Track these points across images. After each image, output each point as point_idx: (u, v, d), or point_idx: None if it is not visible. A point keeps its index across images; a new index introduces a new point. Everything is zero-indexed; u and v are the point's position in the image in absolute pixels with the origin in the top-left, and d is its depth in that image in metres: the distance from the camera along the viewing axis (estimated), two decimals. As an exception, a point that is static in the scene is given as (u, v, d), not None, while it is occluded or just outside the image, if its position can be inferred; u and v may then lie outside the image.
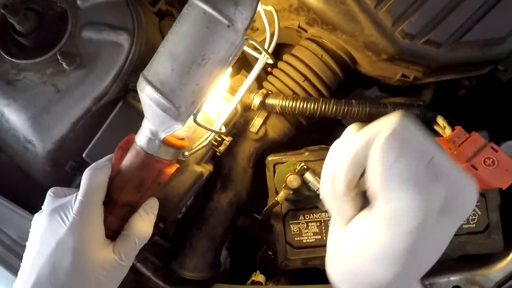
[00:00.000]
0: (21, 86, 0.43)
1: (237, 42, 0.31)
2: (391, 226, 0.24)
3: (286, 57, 0.51)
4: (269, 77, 0.51)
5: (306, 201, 0.49)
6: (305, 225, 0.49)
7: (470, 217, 0.46)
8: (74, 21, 0.44)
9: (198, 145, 0.41)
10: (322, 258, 0.49)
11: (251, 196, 0.54)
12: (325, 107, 0.45)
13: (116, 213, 0.39)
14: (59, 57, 0.42)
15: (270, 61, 0.36)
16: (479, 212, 0.46)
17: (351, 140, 0.27)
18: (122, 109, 0.43)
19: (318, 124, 0.58)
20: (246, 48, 0.40)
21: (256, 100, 0.47)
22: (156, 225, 0.47)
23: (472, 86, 0.52)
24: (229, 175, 0.52)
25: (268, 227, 0.52)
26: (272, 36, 0.35)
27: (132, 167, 0.37)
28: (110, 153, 0.40)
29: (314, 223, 0.49)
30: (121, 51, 0.44)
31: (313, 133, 0.60)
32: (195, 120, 0.33)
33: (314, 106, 0.45)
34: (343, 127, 0.58)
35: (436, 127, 0.46)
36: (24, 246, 0.39)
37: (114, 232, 0.39)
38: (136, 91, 0.44)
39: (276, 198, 0.47)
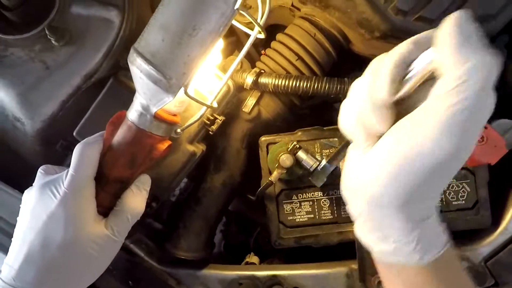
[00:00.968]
0: (9, 62, 0.42)
1: (228, 12, 0.31)
2: (460, 92, 0.23)
3: (279, 36, 0.50)
4: (262, 57, 0.51)
5: (299, 180, 0.49)
6: (298, 204, 0.50)
7: (460, 194, 0.47)
8: (62, -4, 0.43)
9: (191, 121, 0.41)
10: (315, 237, 0.50)
11: (245, 177, 0.54)
12: (317, 85, 0.45)
13: (107, 189, 0.38)
14: (47, 33, 0.41)
15: (262, 36, 0.36)
16: (468, 189, 0.47)
17: (393, 49, 0.27)
18: (112, 86, 0.43)
19: (312, 109, 0.58)
20: (238, 25, 0.40)
21: (249, 79, 0.47)
22: (149, 205, 0.47)
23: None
24: (222, 156, 0.52)
25: (261, 209, 0.52)
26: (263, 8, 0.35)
27: (123, 142, 0.37)
28: (101, 131, 0.40)
29: (307, 203, 0.50)
30: (111, 27, 0.43)
31: (307, 118, 0.60)
32: (186, 92, 0.33)
33: (306, 84, 0.45)
34: (337, 112, 0.58)
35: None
36: (14, 226, 0.38)
37: (106, 208, 0.39)
38: (127, 69, 0.43)
39: (269, 178, 0.48)
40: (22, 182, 0.48)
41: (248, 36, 0.37)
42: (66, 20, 0.43)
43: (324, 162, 0.46)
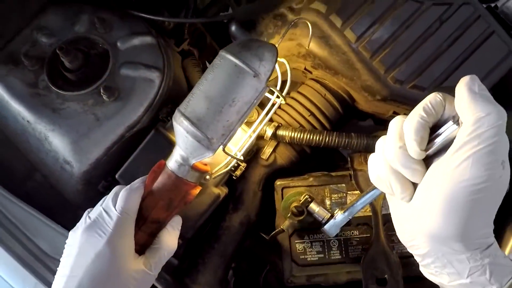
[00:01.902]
0: (65, 114, 0.49)
1: (260, 88, 0.40)
2: (480, 134, 0.29)
3: (293, 94, 0.58)
4: (278, 111, 0.59)
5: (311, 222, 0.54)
6: (310, 244, 0.54)
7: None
8: (114, 60, 0.52)
9: (219, 169, 0.47)
10: (325, 276, 0.54)
11: (260, 217, 0.59)
12: (328, 139, 0.52)
13: (145, 229, 0.43)
14: (101, 91, 0.49)
15: (283, 102, 0.44)
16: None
17: (415, 112, 0.33)
18: (153, 136, 0.49)
19: (319, 151, 0.65)
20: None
21: (269, 132, 0.54)
22: (175, 242, 0.51)
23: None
24: (240, 197, 0.58)
25: (272, 248, 0.56)
26: (284, 82, 0.43)
27: (163, 188, 0.43)
28: (140, 174, 0.46)
29: (317, 243, 0.54)
30: (152, 86, 0.51)
31: (315, 160, 0.67)
32: (224, 150, 0.40)
33: (319, 138, 0.52)
34: (340, 154, 0.64)
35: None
36: (53, 258, 0.43)
37: (141, 246, 0.43)
38: (164, 121, 0.51)
39: (281, 226, 0.52)
40: (60, 217, 0.53)
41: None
42: (116, 80, 0.51)
43: (339, 214, 0.47)
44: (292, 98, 0.58)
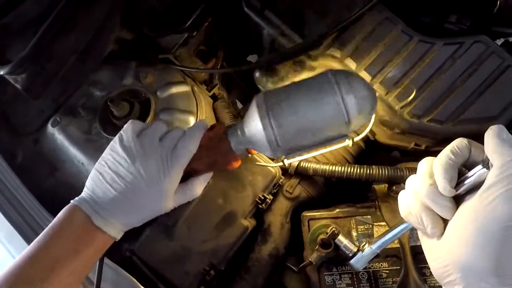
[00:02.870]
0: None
1: (343, 133, 0.43)
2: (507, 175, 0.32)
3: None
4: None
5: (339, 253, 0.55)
6: (338, 276, 0.55)
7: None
8: (155, 107, 0.59)
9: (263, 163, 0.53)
10: (355, 309, 0.53)
11: (289, 248, 0.61)
12: (350, 171, 0.54)
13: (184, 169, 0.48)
14: (143, 135, 0.56)
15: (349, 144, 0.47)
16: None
17: (444, 154, 0.37)
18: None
19: (347, 183, 0.66)
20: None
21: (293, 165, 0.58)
22: (208, 273, 0.55)
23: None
24: (268, 229, 0.60)
25: (301, 280, 0.57)
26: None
27: (215, 150, 0.48)
28: (178, 210, 0.51)
29: (346, 275, 0.55)
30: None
31: (344, 189, 0.68)
32: (282, 161, 0.46)
33: (341, 170, 0.55)
34: (369, 185, 0.66)
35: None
36: None
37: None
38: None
39: (310, 259, 0.54)
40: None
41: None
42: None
43: (367, 248, 0.47)
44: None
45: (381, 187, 0.57)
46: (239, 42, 0.73)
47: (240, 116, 0.77)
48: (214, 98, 0.70)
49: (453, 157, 0.36)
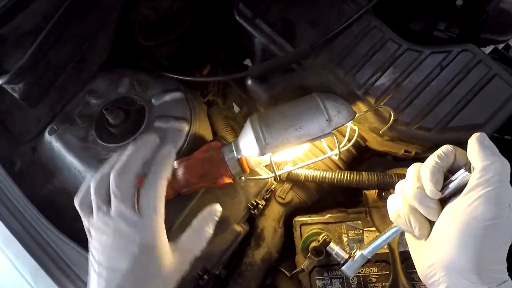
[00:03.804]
0: (109, 164, 0.58)
1: (325, 131, 0.46)
2: (487, 179, 0.34)
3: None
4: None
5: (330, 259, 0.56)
6: (329, 281, 0.56)
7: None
8: (149, 114, 0.60)
9: (252, 177, 0.54)
10: (345, 313, 0.55)
11: (282, 253, 0.62)
12: (341, 177, 0.55)
13: (174, 183, 0.49)
14: (138, 142, 0.57)
15: (336, 158, 0.51)
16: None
17: (430, 160, 0.39)
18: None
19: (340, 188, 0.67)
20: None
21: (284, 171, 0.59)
22: (201, 277, 0.56)
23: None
24: (261, 234, 0.61)
25: (292, 284, 0.59)
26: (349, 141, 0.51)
27: (207, 160, 0.50)
28: (171, 217, 0.52)
29: (337, 280, 0.56)
30: (181, 135, 0.59)
31: (336, 194, 0.69)
32: (270, 158, 0.48)
33: (331, 176, 0.55)
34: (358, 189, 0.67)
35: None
36: (75, 274, 0.48)
37: (166, 196, 0.47)
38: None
39: (302, 266, 0.55)
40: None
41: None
42: (150, 131, 0.59)
43: (358, 255, 0.48)
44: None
45: (372, 193, 0.58)
46: (234, 47, 0.74)
47: (236, 120, 0.79)
48: (209, 104, 0.71)
49: (439, 162, 0.39)
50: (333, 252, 0.52)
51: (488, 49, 0.62)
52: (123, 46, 0.66)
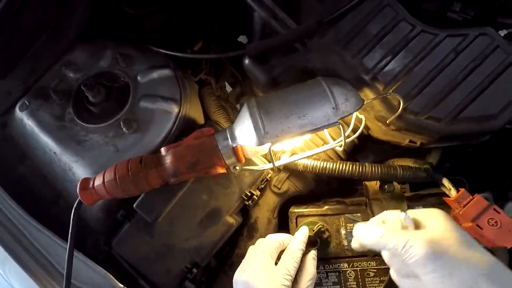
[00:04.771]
0: (88, 146, 0.52)
1: (332, 120, 0.42)
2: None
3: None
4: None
5: (326, 252, 0.53)
6: (325, 274, 0.54)
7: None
8: (134, 93, 0.54)
9: (249, 168, 0.49)
10: (341, 308, 0.53)
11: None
12: (343, 169, 0.52)
13: (161, 171, 0.45)
14: (121, 124, 0.51)
15: (340, 149, 0.46)
16: (489, 269, 0.49)
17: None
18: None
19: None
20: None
21: (283, 160, 0.54)
22: (190, 271, 0.52)
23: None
24: (255, 224, 0.58)
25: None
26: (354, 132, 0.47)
27: (199, 147, 0.45)
28: (157, 204, 0.48)
29: (333, 273, 0.54)
30: (170, 117, 0.53)
31: (331, 183, 0.66)
32: (270, 148, 0.43)
33: (332, 167, 0.52)
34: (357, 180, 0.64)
35: (443, 188, 0.51)
36: (74, 285, 0.45)
37: (149, 184, 0.45)
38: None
39: None
40: (83, 242, 0.55)
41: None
42: (135, 112, 0.53)
43: None
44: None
45: (372, 184, 0.55)
46: (229, 22, 0.68)
47: (228, 101, 0.73)
48: (201, 83, 0.66)
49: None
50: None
51: (502, 34, 0.58)
52: (106, 14, 0.59)
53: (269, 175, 0.56)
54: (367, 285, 0.53)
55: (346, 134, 0.48)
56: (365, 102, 0.46)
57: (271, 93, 0.45)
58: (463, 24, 0.53)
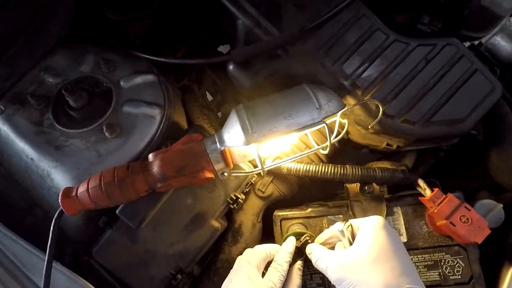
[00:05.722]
0: (68, 151, 0.51)
1: (316, 120, 0.44)
2: None
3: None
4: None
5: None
6: (309, 276, 0.54)
7: (456, 269, 0.52)
8: (117, 98, 0.54)
9: (238, 173, 0.50)
10: (325, 309, 0.53)
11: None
12: (325, 171, 0.53)
13: (147, 176, 0.44)
14: (104, 128, 0.50)
15: (325, 152, 0.48)
16: (463, 264, 0.52)
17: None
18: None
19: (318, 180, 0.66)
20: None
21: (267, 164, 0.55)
22: (174, 277, 0.51)
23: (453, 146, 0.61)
24: (239, 229, 0.58)
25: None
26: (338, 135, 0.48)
27: (187, 151, 0.45)
28: (141, 210, 0.47)
29: (317, 275, 0.54)
30: (154, 122, 0.53)
31: (312, 189, 0.68)
32: (257, 148, 0.44)
33: (315, 170, 0.53)
34: (338, 184, 0.66)
35: (418, 189, 0.54)
36: (24, 274, 0.43)
37: (135, 191, 0.44)
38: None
39: None
40: (60, 252, 0.53)
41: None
42: (118, 117, 0.53)
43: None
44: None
45: (353, 187, 0.57)
46: (211, 30, 0.69)
47: (210, 109, 0.74)
48: (184, 89, 0.66)
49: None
50: (311, 253, 0.51)
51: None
52: (88, 20, 0.59)
53: (253, 179, 0.57)
54: (350, 285, 0.54)
55: (332, 137, 0.49)
56: (347, 108, 0.48)
57: (258, 99, 0.47)
58: (431, 35, 0.57)
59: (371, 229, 0.44)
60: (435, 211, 0.50)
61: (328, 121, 0.45)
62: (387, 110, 0.50)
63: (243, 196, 0.54)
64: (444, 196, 0.50)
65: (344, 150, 0.67)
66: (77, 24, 0.58)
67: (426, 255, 0.53)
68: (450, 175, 0.68)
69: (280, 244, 0.52)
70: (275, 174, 0.58)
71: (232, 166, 0.48)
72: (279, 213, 0.57)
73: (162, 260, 0.50)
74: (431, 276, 0.52)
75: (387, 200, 0.55)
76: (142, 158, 0.51)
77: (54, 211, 0.52)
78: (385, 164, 0.58)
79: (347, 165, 0.54)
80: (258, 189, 0.58)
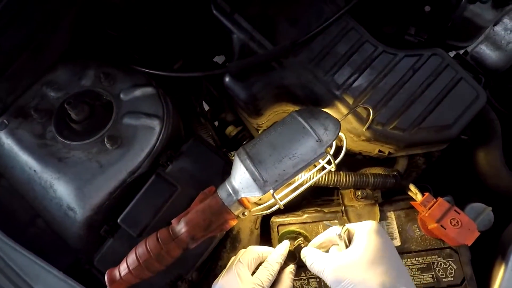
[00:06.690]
0: (70, 163, 0.52)
1: (319, 152, 0.45)
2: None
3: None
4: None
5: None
6: (306, 281, 0.56)
7: (448, 271, 0.54)
8: (117, 110, 0.55)
9: (258, 210, 0.51)
10: (322, 313, 0.54)
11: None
12: (320, 178, 0.55)
13: (178, 242, 0.46)
14: (105, 140, 0.52)
15: (333, 169, 0.49)
16: (455, 266, 0.54)
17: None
18: (154, 180, 0.52)
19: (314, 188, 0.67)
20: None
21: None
22: (175, 284, 0.52)
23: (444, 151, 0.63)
24: (237, 236, 0.59)
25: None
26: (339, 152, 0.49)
27: (208, 210, 0.46)
28: (143, 218, 0.48)
29: (314, 279, 0.56)
30: (153, 133, 0.55)
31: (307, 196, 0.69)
32: (273, 194, 0.44)
33: (309, 177, 0.55)
34: (331, 189, 0.67)
35: (409, 193, 0.56)
36: (29, 285, 0.44)
37: (172, 257, 0.46)
38: (164, 166, 0.53)
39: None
40: (62, 262, 0.54)
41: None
42: (119, 128, 0.54)
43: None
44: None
45: (347, 192, 0.59)
46: (206, 43, 0.72)
47: (207, 119, 0.76)
48: (181, 101, 0.68)
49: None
50: (305, 257, 0.52)
51: (451, 55, 0.66)
52: (88, 36, 0.61)
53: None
54: (347, 289, 0.55)
55: (331, 152, 0.50)
56: (340, 119, 0.50)
57: (256, 141, 0.48)
58: (418, 46, 0.60)
59: (366, 233, 0.46)
60: (426, 214, 0.51)
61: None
62: (378, 118, 0.52)
63: (250, 208, 0.55)
64: (434, 200, 0.52)
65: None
66: (77, 39, 0.60)
67: (419, 258, 0.54)
68: (442, 180, 0.70)
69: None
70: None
71: (250, 207, 0.50)
72: (276, 219, 0.58)
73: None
74: (424, 279, 0.54)
75: (380, 205, 0.57)
76: (142, 168, 0.53)
77: (56, 222, 0.54)
78: (378, 170, 0.60)
79: (341, 172, 0.56)
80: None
